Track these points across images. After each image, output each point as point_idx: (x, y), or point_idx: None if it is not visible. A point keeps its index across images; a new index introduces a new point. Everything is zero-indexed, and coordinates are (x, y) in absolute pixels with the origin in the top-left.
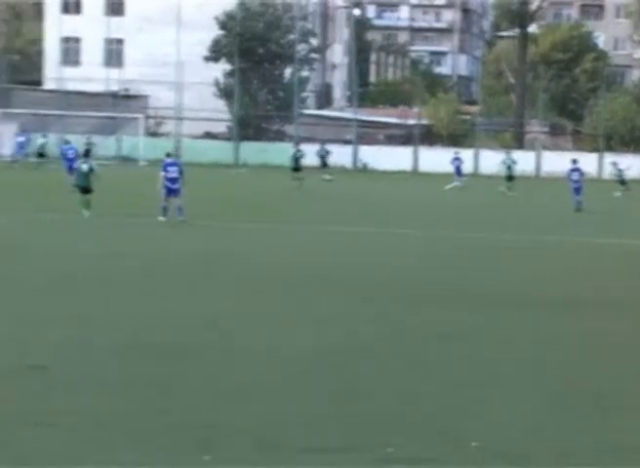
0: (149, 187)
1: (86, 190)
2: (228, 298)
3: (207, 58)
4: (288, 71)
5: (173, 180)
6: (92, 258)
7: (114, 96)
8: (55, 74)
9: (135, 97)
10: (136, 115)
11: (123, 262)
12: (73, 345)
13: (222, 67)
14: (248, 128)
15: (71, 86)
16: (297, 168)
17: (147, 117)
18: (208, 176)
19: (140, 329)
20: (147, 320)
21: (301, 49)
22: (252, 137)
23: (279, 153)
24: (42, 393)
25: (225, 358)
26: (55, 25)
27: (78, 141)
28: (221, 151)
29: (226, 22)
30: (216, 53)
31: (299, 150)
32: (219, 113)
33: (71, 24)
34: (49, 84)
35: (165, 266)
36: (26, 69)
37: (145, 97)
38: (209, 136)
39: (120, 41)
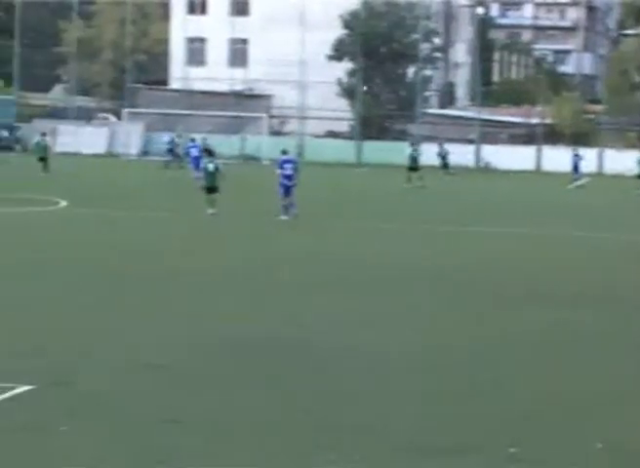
0: (272, 185)
1: (212, 189)
2: (350, 299)
3: (330, 58)
4: (411, 70)
5: (289, 177)
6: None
7: (238, 95)
8: (180, 74)
9: (259, 96)
10: (259, 114)
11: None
12: (200, 344)
13: (346, 66)
14: (370, 127)
15: (196, 86)
16: (414, 167)
17: (271, 116)
18: (329, 175)
19: (263, 326)
20: (266, 318)
21: (424, 48)
22: (374, 137)
23: (401, 152)
24: (168, 390)
25: (346, 358)
26: (180, 26)
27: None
28: (344, 150)
29: (350, 22)
30: (339, 52)
31: (415, 149)
32: (341, 112)
33: (197, 25)
34: (174, 84)
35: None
36: (153, 69)
37: (269, 96)
38: (331, 135)
39: (245, 41)
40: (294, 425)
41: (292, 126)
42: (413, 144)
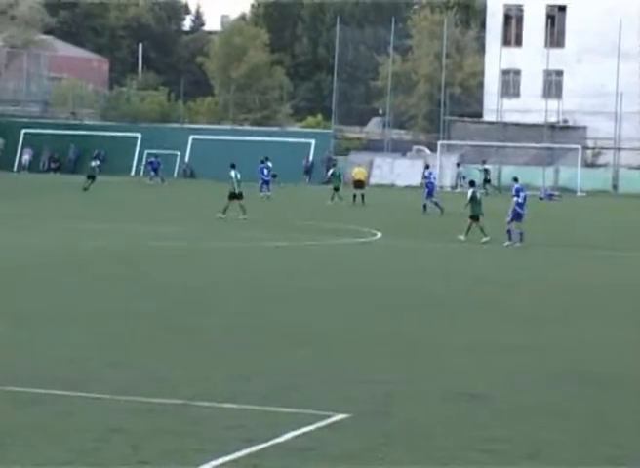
0: (586, 219)
1: (476, 217)
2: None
3: None
4: None
5: (521, 205)
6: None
7: (552, 127)
8: (494, 106)
9: (573, 127)
10: (574, 146)
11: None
12: (516, 374)
13: None
14: None
15: (510, 117)
16: None
17: (585, 148)
18: (637, 207)
19: (578, 357)
20: (585, 349)
21: None
22: None
23: None
24: (486, 420)
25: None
26: (495, 58)
27: (518, 172)
28: None
29: None
30: None
31: None
32: None
33: (512, 57)
34: (488, 116)
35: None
36: (467, 102)
37: (583, 127)
38: None
39: (559, 72)
40: (605, 456)
41: (606, 157)
42: None
